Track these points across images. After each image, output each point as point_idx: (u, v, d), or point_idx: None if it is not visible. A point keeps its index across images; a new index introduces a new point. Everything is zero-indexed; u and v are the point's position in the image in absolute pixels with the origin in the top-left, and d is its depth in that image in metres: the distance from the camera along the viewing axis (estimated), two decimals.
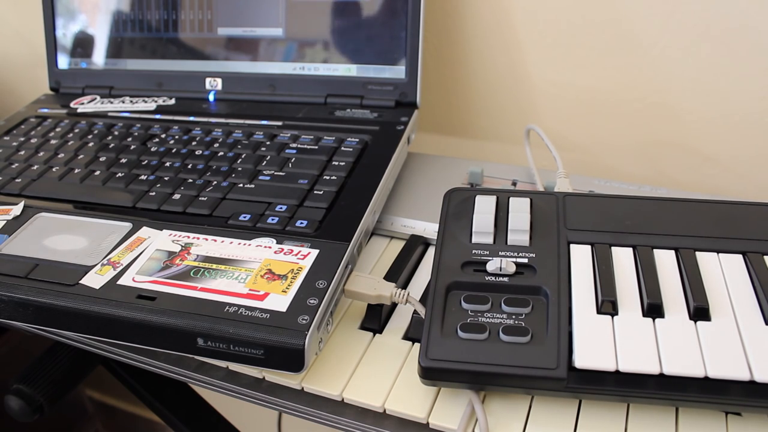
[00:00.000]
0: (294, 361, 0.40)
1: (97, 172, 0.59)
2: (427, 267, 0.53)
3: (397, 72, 0.64)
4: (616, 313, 0.41)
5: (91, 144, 0.63)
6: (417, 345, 0.46)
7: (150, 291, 0.44)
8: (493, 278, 0.43)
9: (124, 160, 0.60)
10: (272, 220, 0.50)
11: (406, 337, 0.47)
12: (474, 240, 0.46)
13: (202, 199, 0.54)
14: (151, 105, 0.69)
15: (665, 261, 0.44)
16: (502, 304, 0.42)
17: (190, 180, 0.56)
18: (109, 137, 0.64)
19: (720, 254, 0.44)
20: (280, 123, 0.63)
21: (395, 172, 0.58)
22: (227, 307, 0.42)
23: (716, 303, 0.41)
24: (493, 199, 0.49)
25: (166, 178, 0.57)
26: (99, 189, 0.57)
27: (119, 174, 0.58)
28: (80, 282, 0.46)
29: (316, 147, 0.59)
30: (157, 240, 0.49)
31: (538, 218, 0.48)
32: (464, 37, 0.70)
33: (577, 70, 0.67)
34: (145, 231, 0.50)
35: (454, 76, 0.72)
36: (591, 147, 0.70)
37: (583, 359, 0.38)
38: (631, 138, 0.68)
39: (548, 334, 0.40)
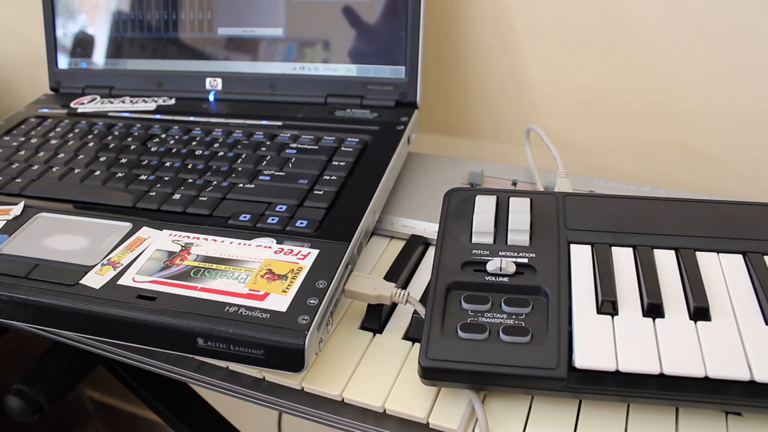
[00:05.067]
0: (294, 361, 0.40)
1: (97, 172, 0.59)
2: (427, 267, 0.53)
3: (397, 72, 0.64)
4: (616, 313, 0.41)
5: (91, 144, 0.63)
6: (417, 345, 0.46)
7: (150, 291, 0.44)
8: (493, 278, 0.43)
9: (124, 160, 0.60)
10: (272, 220, 0.50)
11: (406, 337, 0.47)
12: (474, 240, 0.46)
13: (202, 199, 0.54)
14: (151, 105, 0.69)
15: (665, 261, 0.44)
16: (502, 304, 0.42)
17: (190, 180, 0.56)
18: (109, 137, 0.64)
19: (720, 254, 0.44)
20: (280, 123, 0.63)
21: (395, 172, 0.58)
22: (227, 307, 0.42)
23: (716, 303, 0.41)
24: (493, 199, 0.49)
25: (166, 178, 0.57)
26: (99, 189, 0.57)
27: (119, 174, 0.58)
28: (80, 282, 0.46)
29: (316, 147, 0.59)
30: (157, 240, 0.49)
31: (538, 218, 0.48)
32: (464, 37, 0.70)
33: (577, 70, 0.67)
34: (145, 231, 0.50)
35: (454, 76, 0.72)
36: (591, 147, 0.70)
37: (583, 359, 0.38)
38: (631, 138, 0.68)
39: (548, 334, 0.40)
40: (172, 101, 0.70)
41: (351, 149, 0.58)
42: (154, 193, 0.55)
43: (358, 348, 0.45)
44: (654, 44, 0.63)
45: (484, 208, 0.48)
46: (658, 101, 0.65)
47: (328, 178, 0.55)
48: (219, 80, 0.69)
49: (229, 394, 0.46)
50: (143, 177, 0.57)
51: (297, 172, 0.56)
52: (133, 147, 0.62)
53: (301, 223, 0.50)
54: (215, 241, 0.49)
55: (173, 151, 0.60)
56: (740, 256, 0.44)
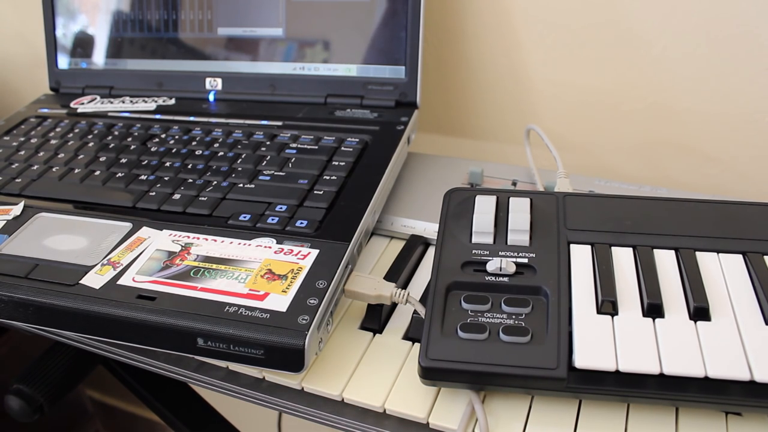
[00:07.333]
0: (294, 361, 0.40)
1: (97, 172, 0.59)
2: (427, 267, 0.53)
3: (397, 72, 0.64)
4: (616, 313, 0.41)
5: (91, 144, 0.63)
6: (417, 345, 0.46)
7: (150, 291, 0.44)
8: (493, 278, 0.43)
9: (124, 160, 0.60)
10: (272, 220, 0.50)
11: (406, 337, 0.47)
12: (474, 240, 0.46)
13: (202, 199, 0.54)
14: (151, 105, 0.69)
15: (665, 261, 0.44)
16: (502, 304, 0.42)
17: (190, 180, 0.56)
18: (109, 137, 0.64)
19: (720, 254, 0.44)
20: (280, 123, 0.63)
21: (395, 172, 0.58)
22: (227, 307, 0.42)
23: (716, 303, 0.41)
24: (493, 199, 0.49)
25: (166, 178, 0.57)
26: (99, 189, 0.57)
27: (119, 174, 0.58)
28: (80, 282, 0.46)
29: (316, 147, 0.59)
30: (157, 240, 0.49)
31: (538, 218, 0.48)
32: (464, 37, 0.70)
33: (577, 70, 0.67)
34: (145, 231, 0.50)
35: (454, 76, 0.72)
36: (591, 147, 0.70)
37: (583, 359, 0.38)
38: (631, 138, 0.68)
39: (548, 334, 0.40)
40: (172, 101, 0.70)
41: (351, 149, 0.58)
42: (154, 193, 0.55)
43: (358, 348, 0.45)
44: (654, 44, 0.63)
45: (484, 208, 0.48)
46: (658, 101, 0.65)
47: (328, 178, 0.55)
48: (219, 80, 0.69)
49: (229, 394, 0.46)
50: (143, 177, 0.57)
51: (297, 172, 0.56)
52: (133, 147, 0.62)
53: (301, 223, 0.50)
54: (215, 241, 0.49)
55: (173, 151, 0.60)
56: (740, 256, 0.44)
